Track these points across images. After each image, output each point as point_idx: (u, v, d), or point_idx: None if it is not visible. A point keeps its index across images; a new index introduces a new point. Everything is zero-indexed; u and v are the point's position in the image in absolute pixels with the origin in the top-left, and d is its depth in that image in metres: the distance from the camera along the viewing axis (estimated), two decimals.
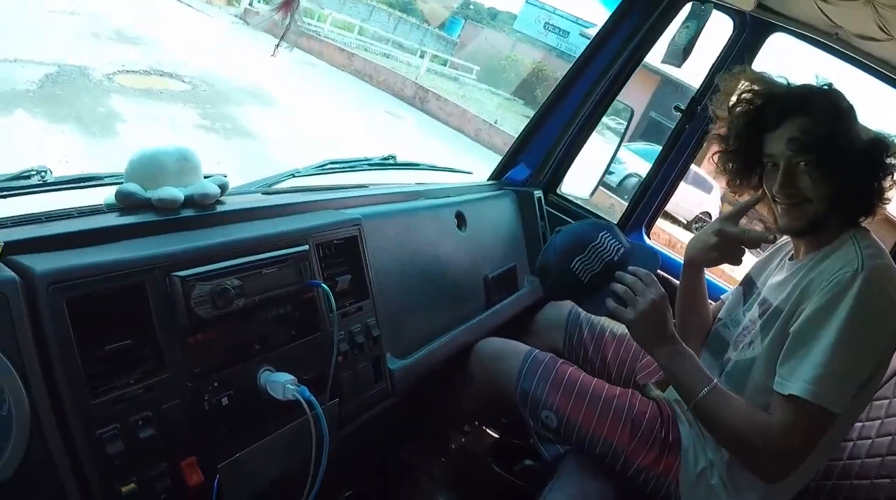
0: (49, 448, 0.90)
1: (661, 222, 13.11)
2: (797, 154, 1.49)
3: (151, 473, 1.02)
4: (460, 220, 2.08)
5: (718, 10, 2.40)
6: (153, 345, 1.06)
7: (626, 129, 2.93)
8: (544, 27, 23.41)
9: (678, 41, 2.42)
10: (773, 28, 2.39)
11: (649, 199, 2.70)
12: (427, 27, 28.25)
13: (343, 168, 1.94)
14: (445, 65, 24.70)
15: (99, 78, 10.55)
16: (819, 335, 1.41)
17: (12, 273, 0.92)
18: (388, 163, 2.09)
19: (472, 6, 31.68)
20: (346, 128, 11.55)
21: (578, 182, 2.84)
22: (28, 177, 1.23)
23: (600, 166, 2.85)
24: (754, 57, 2.46)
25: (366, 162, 2.02)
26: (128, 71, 11.29)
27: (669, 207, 13.62)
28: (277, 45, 1.25)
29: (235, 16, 20.11)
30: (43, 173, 1.25)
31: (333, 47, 18.95)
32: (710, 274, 2.53)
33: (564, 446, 1.86)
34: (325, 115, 12.12)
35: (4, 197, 1.14)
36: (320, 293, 1.34)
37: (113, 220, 1.20)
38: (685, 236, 12.60)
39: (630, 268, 1.59)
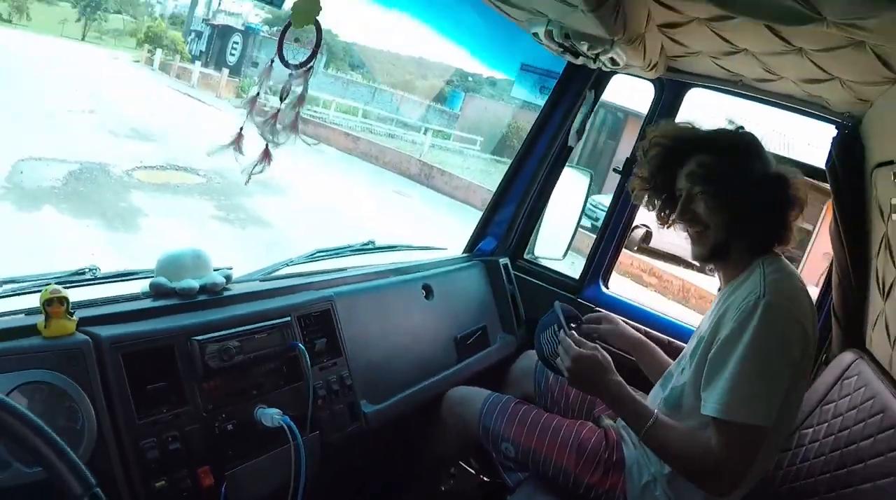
0: (108, 452, 1.34)
1: (673, 269, 13.14)
2: (694, 185, 1.73)
3: (177, 475, 1.45)
4: (427, 290, 2.44)
5: (638, 77, 2.69)
6: (179, 386, 1.52)
7: (588, 192, 3.11)
8: (540, 91, 23.98)
9: (575, 125, 2.84)
10: (688, 86, 2.68)
11: (601, 253, 2.97)
12: (429, 103, 28.84)
13: (329, 255, 2.33)
14: (449, 138, 25.15)
15: (119, 174, 11.14)
16: (728, 360, 1.58)
17: (87, 337, 1.40)
18: (368, 248, 2.45)
19: (470, 78, 32.25)
20: (356, 210, 11.90)
21: (552, 244, 3.10)
22: (83, 273, 1.69)
23: (571, 229, 3.09)
24: (677, 112, 2.73)
25: (349, 249, 2.40)
26: (145, 167, 11.89)
27: (681, 253, 13.39)
28: (248, 179, 1.64)
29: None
30: (94, 270, 1.71)
31: (339, 132, 19.51)
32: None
33: (524, 472, 2.17)
34: (335, 199, 12.50)
35: (68, 288, 1.56)
36: (299, 352, 1.76)
37: (149, 303, 1.66)
38: (698, 280, 12.67)
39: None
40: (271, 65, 1.58)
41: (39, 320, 1.40)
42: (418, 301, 2.41)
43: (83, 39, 39.27)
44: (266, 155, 1.59)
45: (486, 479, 2.74)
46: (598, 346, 1.82)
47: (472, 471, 2.77)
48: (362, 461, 2.19)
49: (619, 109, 18.13)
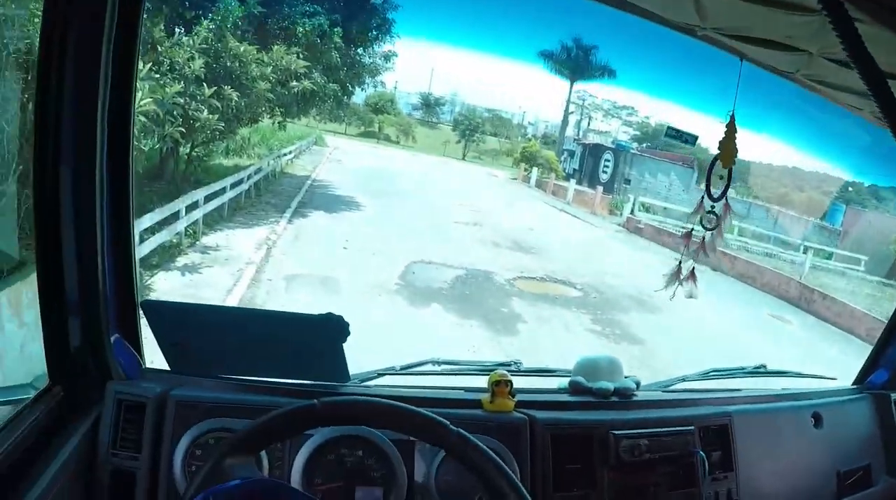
0: None
1: None
2: None
3: None
4: (816, 419, 2.46)
5: None
6: (591, 471, 1.82)
7: None
8: None
9: None
10: None
11: None
12: (806, 218, 27.17)
13: (723, 375, 2.51)
14: (830, 258, 23.50)
15: (501, 282, 12.15)
16: None
17: (524, 416, 1.79)
18: (759, 371, 2.59)
19: (850, 188, 29.57)
20: (731, 334, 11.63)
21: None
22: (509, 365, 2.10)
23: None
24: None
25: (741, 370, 2.56)
26: (526, 277, 12.81)
27: None
28: (673, 295, 1.95)
29: (618, 224, 21.49)
30: (518, 364, 2.14)
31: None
32: None
33: None
34: (710, 320, 12.25)
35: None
36: (698, 459, 1.95)
37: (569, 397, 2.04)
38: None
39: None
40: (702, 201, 1.89)
41: (483, 396, 1.85)
42: (807, 429, 2.45)
43: (463, 159, 43.45)
44: (692, 276, 1.87)
45: None
46: None
47: None
48: None
49: None
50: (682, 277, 1.90)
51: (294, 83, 15.77)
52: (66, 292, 1.59)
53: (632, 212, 22.38)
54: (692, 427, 1.98)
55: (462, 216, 18.17)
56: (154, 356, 1.93)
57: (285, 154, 22.56)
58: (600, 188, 26.25)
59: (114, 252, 1.72)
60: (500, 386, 1.83)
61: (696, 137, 1.96)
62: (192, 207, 11.78)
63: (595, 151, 32.70)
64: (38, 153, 1.49)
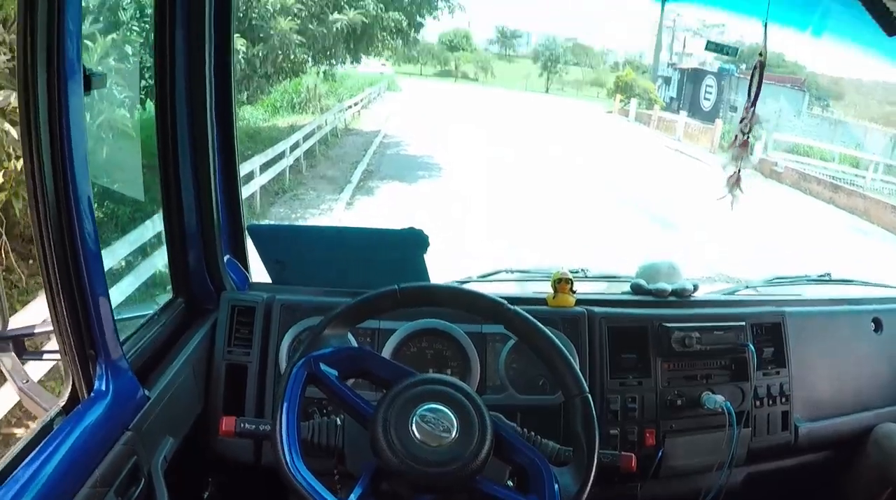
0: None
1: None
2: None
3: (628, 428, 2.05)
4: (877, 324, 2.52)
5: None
6: (646, 361, 2.12)
7: None
8: None
9: None
10: None
11: None
12: None
13: (786, 282, 2.70)
14: None
15: None
16: None
17: (583, 310, 2.10)
18: (824, 279, 2.73)
19: None
20: None
21: None
22: (577, 271, 2.35)
23: None
24: None
25: (805, 278, 2.73)
26: None
27: None
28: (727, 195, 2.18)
29: (751, 168, 19.14)
30: (585, 271, 2.44)
31: (882, 205, 16.23)
32: None
33: None
34: None
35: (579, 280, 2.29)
36: (749, 353, 2.17)
37: (629, 297, 2.33)
38: None
39: None
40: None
41: (548, 294, 2.15)
42: (867, 334, 2.53)
43: (546, 91, 42.72)
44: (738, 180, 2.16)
45: None
46: None
47: None
48: (789, 484, 2.48)
49: None
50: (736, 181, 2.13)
51: (335, 16, 13.78)
52: (186, 221, 1.95)
53: (765, 152, 20.17)
54: (743, 323, 2.19)
55: (569, 175, 16.86)
56: (258, 277, 2.30)
57: (349, 107, 21.16)
58: (719, 122, 24.42)
59: (224, 188, 2.09)
60: (561, 284, 2.12)
61: (737, 49, 2.12)
62: None
63: (695, 77, 31.10)
64: (160, 122, 1.86)
